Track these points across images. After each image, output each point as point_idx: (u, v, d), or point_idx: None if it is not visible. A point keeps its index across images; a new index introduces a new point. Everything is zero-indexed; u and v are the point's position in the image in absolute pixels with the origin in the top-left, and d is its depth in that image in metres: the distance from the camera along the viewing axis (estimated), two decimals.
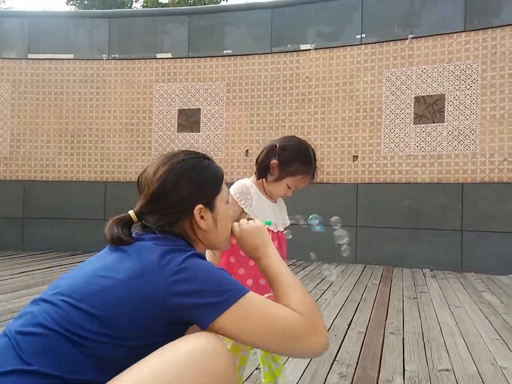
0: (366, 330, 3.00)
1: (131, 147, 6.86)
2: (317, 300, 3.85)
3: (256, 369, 2.28)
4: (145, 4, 12.54)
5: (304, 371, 2.26)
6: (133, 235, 0.99)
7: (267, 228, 1.53)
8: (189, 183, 0.99)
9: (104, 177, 6.84)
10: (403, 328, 3.06)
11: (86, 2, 12.15)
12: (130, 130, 6.91)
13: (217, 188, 1.05)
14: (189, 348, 0.81)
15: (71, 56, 6.96)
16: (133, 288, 0.84)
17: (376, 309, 3.58)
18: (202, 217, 1.00)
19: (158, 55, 6.86)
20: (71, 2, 12.46)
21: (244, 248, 1.10)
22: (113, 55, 6.93)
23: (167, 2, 12.58)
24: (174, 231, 0.98)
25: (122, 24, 7.02)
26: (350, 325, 3.13)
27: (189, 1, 11.96)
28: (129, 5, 12.75)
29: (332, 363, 2.38)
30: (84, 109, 6.93)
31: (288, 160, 1.49)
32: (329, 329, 3.02)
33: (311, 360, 2.42)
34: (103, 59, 6.90)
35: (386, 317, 3.35)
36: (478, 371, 2.31)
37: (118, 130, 6.91)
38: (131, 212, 1.00)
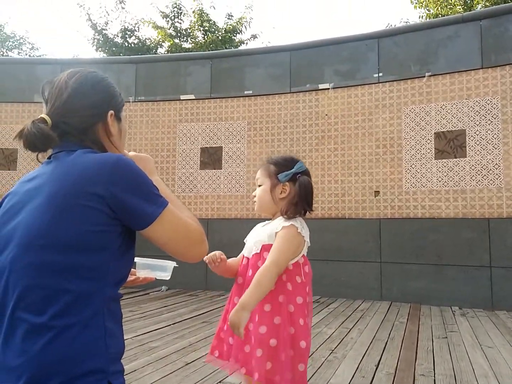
0: (395, 372, 2.91)
1: None
2: (343, 339, 3.76)
3: None
4: (169, 50, 13.17)
5: None
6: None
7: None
8: (103, 90, 1.06)
9: None
10: (434, 370, 2.95)
11: (114, 49, 12.83)
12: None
13: (122, 104, 1.13)
14: None
15: None
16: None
17: (405, 349, 3.47)
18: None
19: (182, 97, 7.13)
20: (100, 49, 13.18)
21: None
22: (139, 98, 7.24)
23: (190, 47, 13.18)
24: (91, 137, 1.02)
25: (147, 68, 7.38)
26: (378, 366, 3.03)
27: (211, 46, 12.49)
28: (154, 50, 13.40)
29: None
30: None
31: None
32: (356, 369, 2.93)
33: None
34: (129, 101, 7.21)
35: (416, 357, 3.24)
36: None
37: None
38: (44, 115, 0.98)
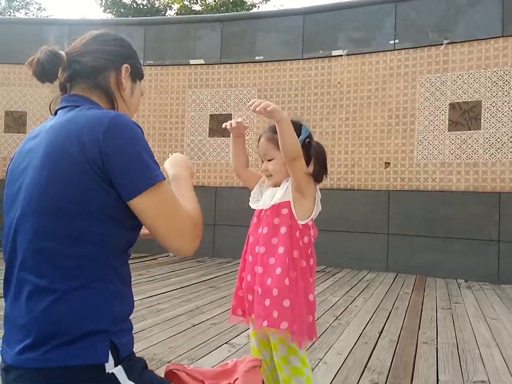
0: (398, 339, 2.95)
1: (163, 151, 7.01)
2: (347, 306, 3.81)
3: None
4: (178, 12, 12.83)
5: (334, 377, 2.25)
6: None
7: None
8: (123, 45, 1.05)
9: None
10: (436, 338, 2.99)
11: (122, 10, 12.54)
12: (163, 135, 7.06)
13: (141, 70, 1.09)
14: None
15: None
16: None
17: (408, 318, 3.51)
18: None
19: (191, 61, 6.99)
20: (108, 10, 12.88)
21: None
22: (148, 61, 7.11)
23: (200, 9, 12.83)
24: (101, 82, 0.99)
25: (156, 31, 7.21)
26: (381, 333, 3.08)
27: (222, 9, 12.14)
28: (163, 12, 13.06)
29: (363, 370, 2.36)
30: None
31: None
32: (359, 336, 2.98)
33: (341, 366, 2.40)
34: None
35: (419, 326, 3.28)
36: None
37: (152, 134, 7.08)
38: (62, 52, 0.98)
